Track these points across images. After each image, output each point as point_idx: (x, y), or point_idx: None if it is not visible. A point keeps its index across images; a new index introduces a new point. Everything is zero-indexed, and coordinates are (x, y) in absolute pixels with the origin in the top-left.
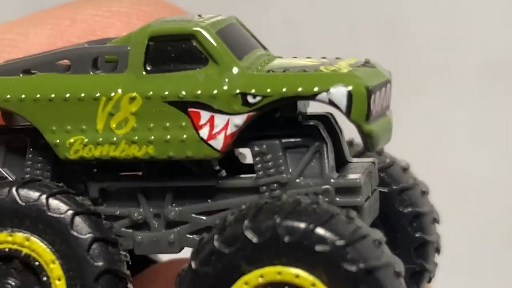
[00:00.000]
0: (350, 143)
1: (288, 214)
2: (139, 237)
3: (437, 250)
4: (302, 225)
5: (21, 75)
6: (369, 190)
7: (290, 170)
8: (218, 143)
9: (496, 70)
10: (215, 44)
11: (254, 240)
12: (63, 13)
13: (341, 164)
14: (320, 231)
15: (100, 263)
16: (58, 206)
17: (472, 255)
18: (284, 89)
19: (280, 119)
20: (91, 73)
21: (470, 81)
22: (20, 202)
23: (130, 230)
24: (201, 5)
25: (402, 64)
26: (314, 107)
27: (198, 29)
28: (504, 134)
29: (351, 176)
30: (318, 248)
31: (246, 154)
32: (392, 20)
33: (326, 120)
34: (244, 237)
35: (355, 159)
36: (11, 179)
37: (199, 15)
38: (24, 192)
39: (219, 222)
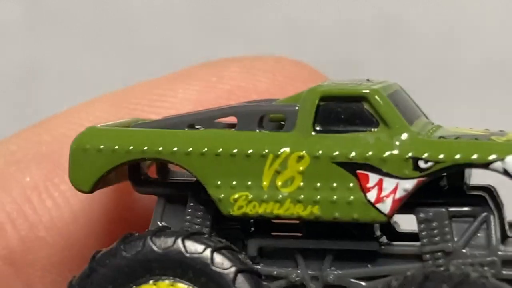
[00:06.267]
0: None
1: (457, 285)
2: None
3: None
4: None
5: (186, 129)
6: None
7: (456, 239)
8: (386, 207)
9: (497, 70)
10: (387, 108)
11: None
12: (208, 70)
13: (502, 238)
14: None
15: None
16: (223, 261)
17: None
18: (458, 156)
19: (445, 187)
20: (257, 130)
21: (470, 81)
22: (185, 253)
23: None
24: (204, 7)
25: (402, 64)
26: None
27: (370, 91)
28: None
29: None
30: None
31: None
32: (392, 20)
33: (490, 192)
34: None
35: None
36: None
37: (367, 79)
38: (189, 243)
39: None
